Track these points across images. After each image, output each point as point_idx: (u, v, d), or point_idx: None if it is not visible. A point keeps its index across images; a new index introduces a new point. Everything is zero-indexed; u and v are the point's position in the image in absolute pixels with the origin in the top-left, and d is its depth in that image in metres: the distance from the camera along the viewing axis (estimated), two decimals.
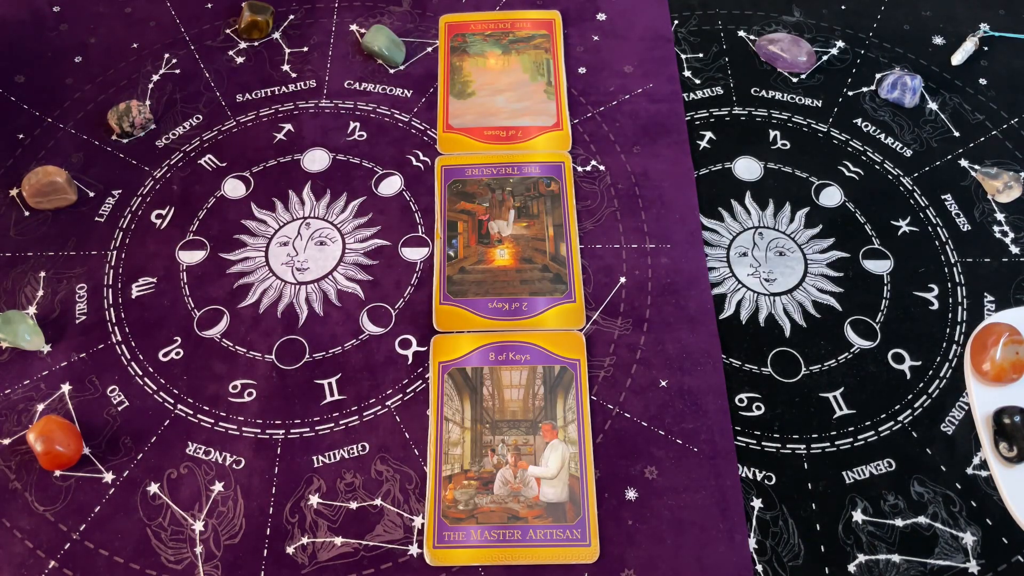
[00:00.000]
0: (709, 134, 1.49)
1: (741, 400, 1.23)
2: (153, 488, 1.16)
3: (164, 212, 1.41)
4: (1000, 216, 1.39)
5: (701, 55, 1.59)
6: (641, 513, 1.13)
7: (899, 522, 1.13)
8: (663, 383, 1.23)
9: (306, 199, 1.43)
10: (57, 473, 1.17)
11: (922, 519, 1.13)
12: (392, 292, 1.32)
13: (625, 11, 1.65)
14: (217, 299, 1.32)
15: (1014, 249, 1.35)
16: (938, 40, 1.61)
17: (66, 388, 1.24)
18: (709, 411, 1.21)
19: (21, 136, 1.50)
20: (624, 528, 1.12)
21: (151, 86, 1.56)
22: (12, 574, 1.10)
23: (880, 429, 1.20)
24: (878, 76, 1.55)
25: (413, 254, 1.36)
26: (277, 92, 1.55)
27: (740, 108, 1.52)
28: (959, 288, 1.32)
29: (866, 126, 1.50)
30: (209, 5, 1.67)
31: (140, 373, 1.25)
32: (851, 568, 1.10)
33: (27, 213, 1.41)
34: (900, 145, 1.47)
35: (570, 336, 1.27)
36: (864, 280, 1.33)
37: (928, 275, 1.33)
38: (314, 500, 1.15)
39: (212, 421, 1.21)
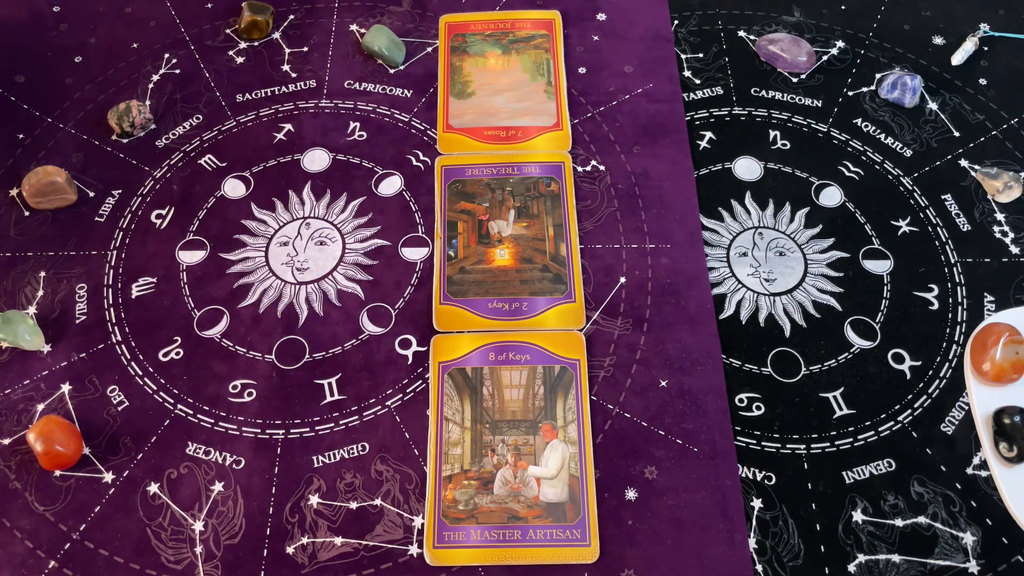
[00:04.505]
0: (709, 134, 1.49)
1: (741, 400, 1.23)
2: (153, 488, 1.16)
3: (164, 212, 1.41)
4: (1000, 216, 1.39)
5: (701, 55, 1.59)
6: (641, 513, 1.13)
7: (899, 522, 1.13)
8: (663, 383, 1.23)
9: (306, 199, 1.43)
10: (57, 473, 1.17)
11: (922, 519, 1.13)
12: (392, 292, 1.32)
13: (625, 11, 1.65)
14: (217, 299, 1.32)
15: (1014, 249, 1.35)
16: (938, 40, 1.61)
17: (66, 388, 1.24)
18: (709, 411, 1.21)
19: (21, 136, 1.50)
20: (624, 528, 1.12)
21: (151, 86, 1.56)
22: (12, 574, 1.10)
23: (880, 429, 1.20)
24: (878, 76, 1.55)
25: (413, 254, 1.36)
26: (277, 92, 1.55)
27: (740, 108, 1.52)
28: (959, 288, 1.32)
29: (866, 126, 1.50)
30: (209, 5, 1.67)
31: (140, 373, 1.25)
32: (851, 568, 1.10)
33: (27, 213, 1.41)
34: (900, 145, 1.47)
35: (570, 336, 1.27)
36: (864, 280, 1.33)
37: (928, 275, 1.33)
38: (314, 500, 1.15)
39: (212, 421, 1.21)
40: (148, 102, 1.53)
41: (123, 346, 1.28)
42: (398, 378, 1.25)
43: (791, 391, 1.23)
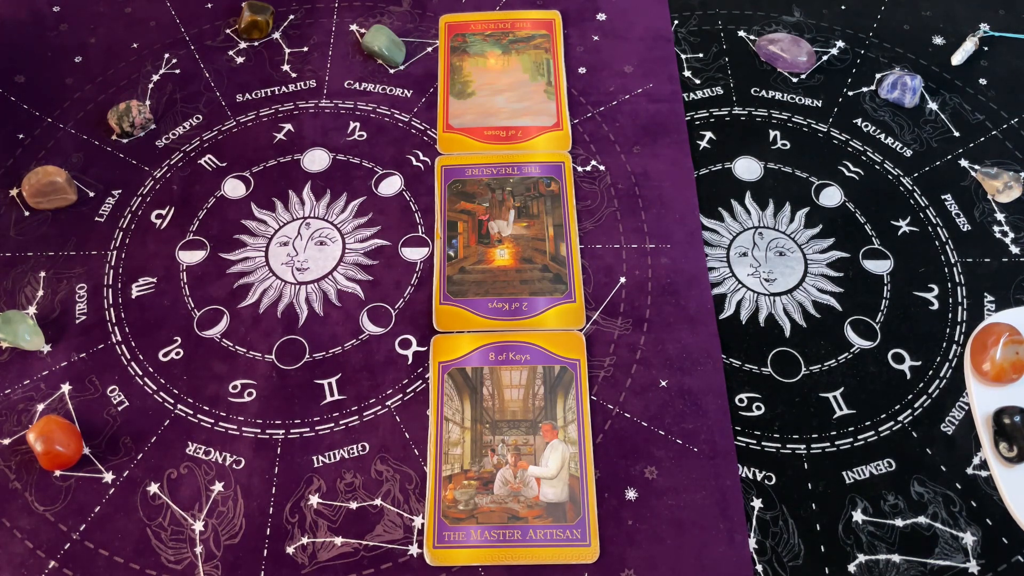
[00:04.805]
0: (709, 134, 1.49)
1: (741, 400, 1.23)
2: (153, 488, 1.16)
3: (164, 212, 1.41)
4: (1000, 216, 1.39)
5: (701, 55, 1.59)
6: (641, 513, 1.13)
7: (899, 522, 1.13)
8: (663, 383, 1.23)
9: (306, 199, 1.43)
10: (57, 473, 1.17)
11: (922, 519, 1.13)
12: (392, 292, 1.32)
13: (625, 11, 1.65)
14: (217, 299, 1.32)
15: (1014, 249, 1.35)
16: (938, 40, 1.61)
17: (66, 388, 1.24)
18: (709, 411, 1.21)
19: (21, 136, 1.50)
20: (624, 528, 1.12)
21: (151, 86, 1.56)
22: (12, 574, 1.10)
23: (880, 429, 1.20)
24: (878, 76, 1.55)
25: (413, 254, 1.36)
26: (277, 92, 1.55)
27: (740, 108, 1.52)
28: (959, 288, 1.32)
29: (866, 126, 1.50)
30: (209, 5, 1.67)
31: (140, 373, 1.25)
32: (851, 568, 1.10)
33: (27, 213, 1.41)
34: (900, 145, 1.47)
35: (570, 336, 1.27)
36: (864, 280, 1.33)
37: (928, 275, 1.33)
38: (314, 500, 1.15)
39: (212, 421, 1.21)
40: (148, 102, 1.53)
41: (123, 346, 1.28)
42: (398, 378, 1.25)
43: (791, 391, 1.23)
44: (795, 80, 1.56)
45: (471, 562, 1.10)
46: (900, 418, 1.21)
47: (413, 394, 1.23)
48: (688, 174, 1.43)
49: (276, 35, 1.63)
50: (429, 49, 1.61)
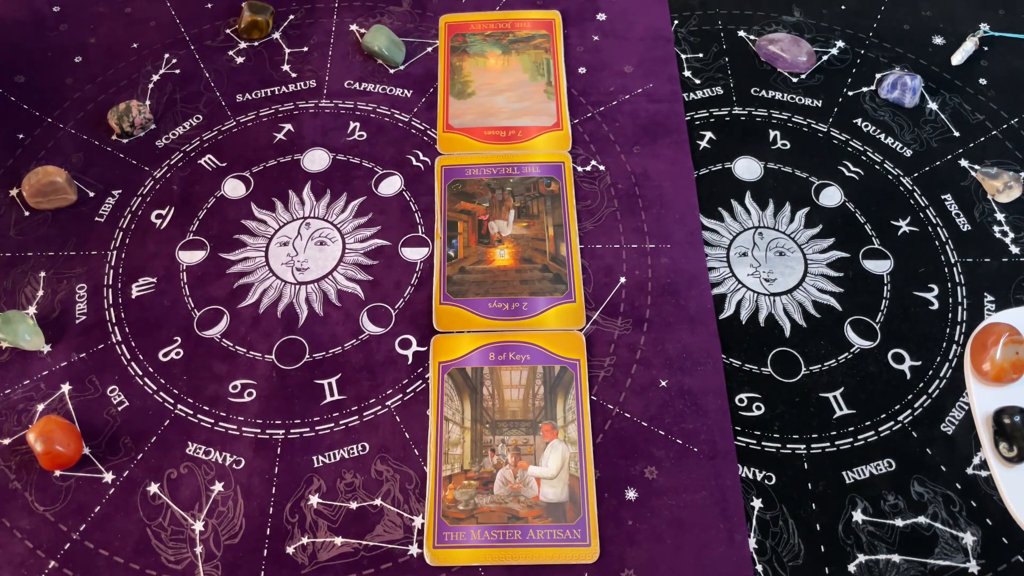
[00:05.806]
0: (709, 134, 1.49)
1: (741, 400, 1.23)
2: (153, 488, 1.16)
3: (164, 212, 1.41)
4: (1000, 216, 1.39)
5: (701, 55, 1.59)
6: (641, 513, 1.13)
7: (899, 522, 1.13)
8: (663, 383, 1.23)
9: (306, 199, 1.43)
10: (57, 473, 1.17)
11: (922, 519, 1.13)
12: (392, 292, 1.32)
13: (625, 11, 1.65)
14: (217, 299, 1.32)
15: (1014, 249, 1.35)
16: (938, 40, 1.61)
17: (66, 388, 1.24)
18: (709, 411, 1.21)
19: (21, 136, 1.50)
20: (624, 528, 1.12)
21: (151, 86, 1.56)
22: (12, 574, 1.10)
23: (880, 429, 1.20)
24: (878, 76, 1.55)
25: (413, 254, 1.36)
26: (277, 92, 1.55)
27: (740, 108, 1.52)
28: (959, 288, 1.32)
29: (866, 126, 1.50)
30: (209, 5, 1.67)
31: (140, 373, 1.25)
32: (851, 568, 1.10)
33: (27, 213, 1.41)
34: (900, 145, 1.47)
35: (570, 336, 1.27)
36: (864, 280, 1.33)
37: (928, 275, 1.33)
38: (314, 500, 1.15)
39: (212, 421, 1.21)
40: (148, 102, 1.53)
41: (123, 346, 1.28)
42: (398, 378, 1.25)
43: (791, 391, 1.23)
44: (795, 80, 1.56)
45: (471, 562, 1.10)
46: (900, 418, 1.21)
47: (413, 394, 1.23)
48: (688, 174, 1.43)
49: (276, 35, 1.63)
50: (429, 49, 1.61)
